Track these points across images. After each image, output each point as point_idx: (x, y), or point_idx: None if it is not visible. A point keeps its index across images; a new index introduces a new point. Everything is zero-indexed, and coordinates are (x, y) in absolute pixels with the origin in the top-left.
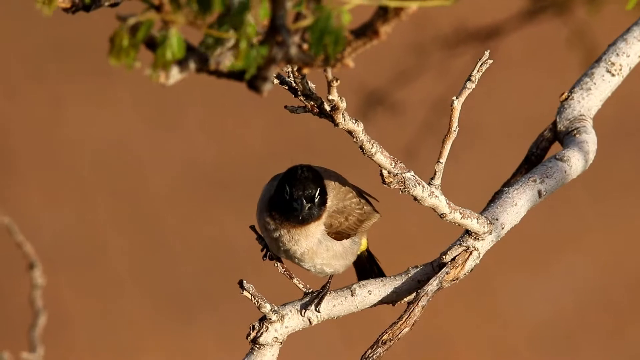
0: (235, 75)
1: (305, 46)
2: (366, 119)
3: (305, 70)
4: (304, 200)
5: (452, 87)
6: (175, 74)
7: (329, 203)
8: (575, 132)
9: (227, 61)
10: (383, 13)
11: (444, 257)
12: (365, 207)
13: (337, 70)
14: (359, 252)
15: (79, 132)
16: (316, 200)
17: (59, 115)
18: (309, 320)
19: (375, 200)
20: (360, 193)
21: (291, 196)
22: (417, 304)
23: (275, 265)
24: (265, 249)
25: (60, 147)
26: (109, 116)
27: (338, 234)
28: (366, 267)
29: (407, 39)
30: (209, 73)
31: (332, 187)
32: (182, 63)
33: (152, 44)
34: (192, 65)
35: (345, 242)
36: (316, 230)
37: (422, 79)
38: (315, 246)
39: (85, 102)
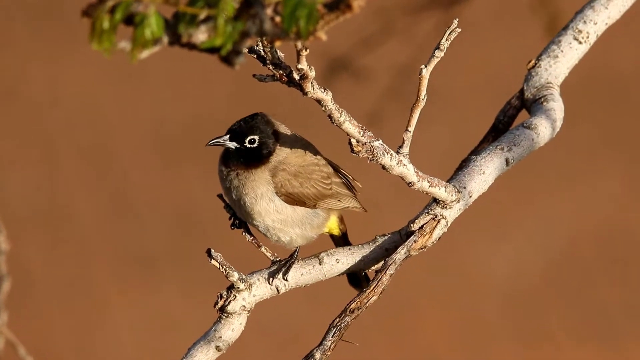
0: (209, 49)
1: (278, 19)
2: (331, 84)
3: (278, 44)
4: (229, 134)
5: (417, 53)
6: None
7: (275, 159)
8: (542, 99)
9: (200, 36)
10: None
11: (411, 225)
12: (335, 187)
13: (309, 43)
14: (325, 230)
15: (46, 90)
16: (251, 143)
17: (25, 73)
18: (277, 288)
19: (357, 185)
20: (338, 173)
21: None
22: (385, 272)
23: (243, 233)
24: (232, 218)
25: (26, 106)
26: (76, 75)
27: (289, 197)
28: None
29: (371, 4)
30: (181, 46)
31: (290, 149)
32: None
33: (130, 21)
34: (165, 39)
35: (300, 210)
36: (261, 177)
37: (387, 45)
38: (264, 201)
39: (51, 60)
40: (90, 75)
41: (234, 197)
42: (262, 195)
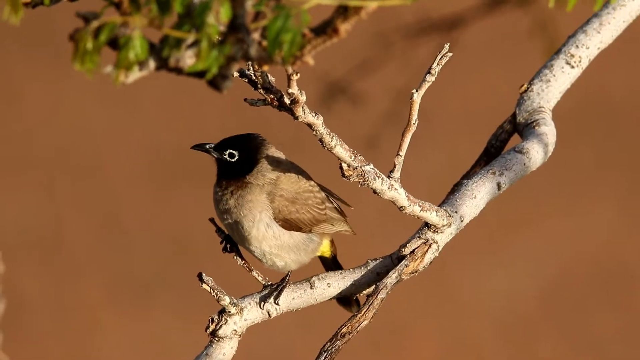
0: (196, 73)
1: (264, 43)
2: (328, 109)
3: (265, 68)
4: (212, 144)
5: (415, 77)
6: (135, 73)
7: (265, 179)
8: (534, 124)
9: (188, 60)
10: (343, 11)
11: (403, 249)
12: (329, 212)
13: (296, 67)
14: (318, 253)
15: (38, 116)
16: (231, 157)
17: (17, 99)
18: (268, 312)
19: (347, 207)
20: (329, 198)
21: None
22: (376, 296)
23: (235, 257)
24: (224, 242)
25: (19, 131)
26: (69, 100)
27: (286, 223)
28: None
29: (370, 29)
30: (168, 71)
31: (285, 174)
32: (142, 62)
33: (115, 44)
34: (151, 63)
35: (296, 235)
36: (258, 199)
37: (385, 69)
38: (262, 226)
39: (44, 86)
40: (84, 100)
41: (230, 220)
42: (260, 220)
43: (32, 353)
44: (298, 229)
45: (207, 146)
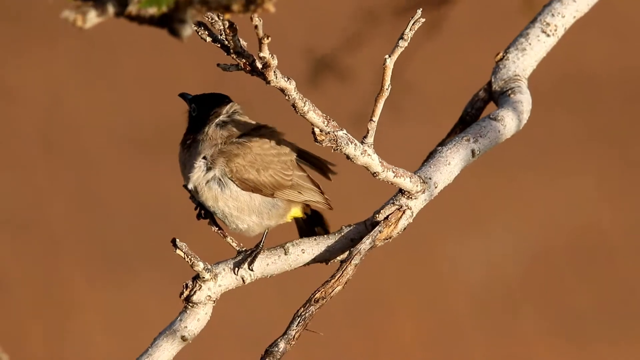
0: (156, 21)
1: None
2: (316, 85)
3: (227, 16)
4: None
5: (403, 53)
6: (92, 18)
7: (215, 135)
8: (510, 92)
9: (150, 10)
10: None
11: (377, 215)
12: (296, 179)
13: (258, 14)
14: (287, 219)
15: (15, 91)
16: (193, 111)
17: None
18: (242, 278)
19: (330, 176)
20: (303, 166)
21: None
22: (350, 262)
23: (209, 223)
24: (198, 208)
25: None
26: (44, 73)
27: (243, 184)
28: (306, 231)
29: (358, 4)
30: (129, 19)
31: (248, 137)
32: (99, 6)
33: None
34: (110, 9)
35: (257, 198)
36: (206, 147)
37: (373, 45)
38: (214, 184)
39: (21, 60)
40: (59, 73)
41: (184, 173)
42: (212, 177)
43: (9, 327)
44: (258, 191)
45: (188, 96)
